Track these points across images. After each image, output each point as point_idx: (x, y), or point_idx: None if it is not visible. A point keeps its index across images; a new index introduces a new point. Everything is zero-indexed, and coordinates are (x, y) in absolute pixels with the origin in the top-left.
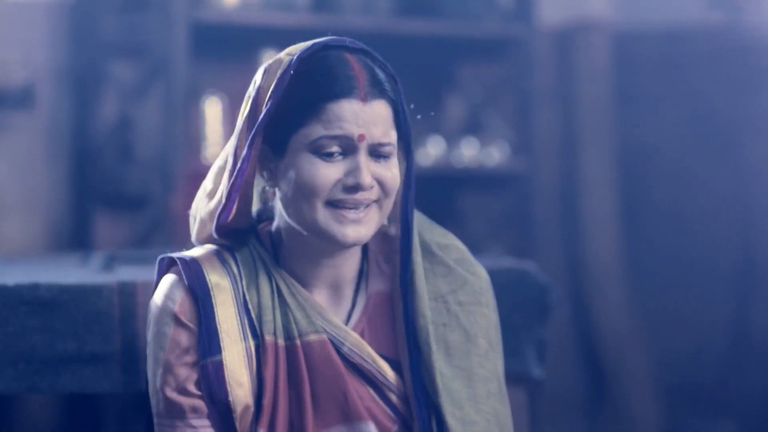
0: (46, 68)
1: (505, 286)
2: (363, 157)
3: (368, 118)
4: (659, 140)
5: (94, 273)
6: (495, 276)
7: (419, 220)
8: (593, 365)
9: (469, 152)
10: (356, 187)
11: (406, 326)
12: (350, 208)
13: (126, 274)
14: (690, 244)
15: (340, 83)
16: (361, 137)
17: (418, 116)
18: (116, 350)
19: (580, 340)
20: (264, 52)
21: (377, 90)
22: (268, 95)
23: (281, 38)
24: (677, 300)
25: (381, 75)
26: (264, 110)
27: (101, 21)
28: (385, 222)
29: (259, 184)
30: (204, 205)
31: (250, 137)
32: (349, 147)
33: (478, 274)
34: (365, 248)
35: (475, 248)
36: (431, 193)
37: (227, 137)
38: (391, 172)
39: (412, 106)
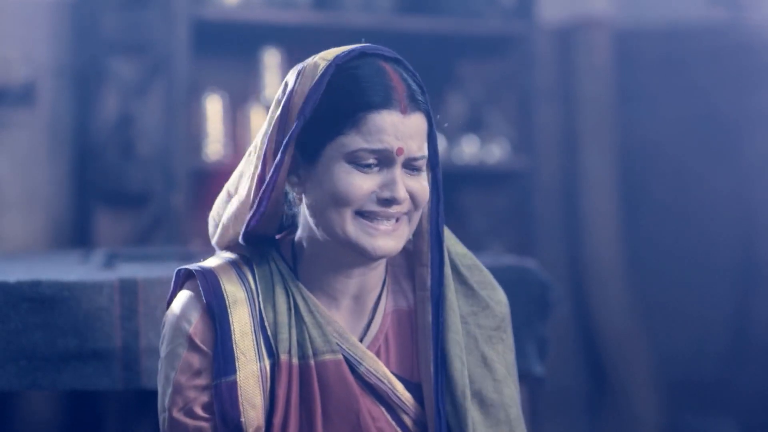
0: (47, 65)
1: (506, 284)
2: (399, 171)
3: (407, 131)
4: (660, 137)
5: (95, 270)
6: (496, 273)
7: (447, 234)
8: (594, 362)
9: (470, 149)
10: (391, 201)
11: (434, 341)
12: (381, 220)
13: (127, 271)
14: (691, 241)
15: (380, 94)
16: (400, 151)
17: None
18: (117, 347)
19: (581, 337)
20: (265, 50)
21: (414, 102)
22: (302, 100)
23: (282, 36)
24: (678, 297)
25: (414, 86)
26: (298, 116)
27: (102, 18)
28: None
29: (289, 192)
30: (226, 209)
31: (284, 144)
32: (386, 159)
33: (498, 299)
34: (386, 263)
35: (476, 245)
36: None
37: (228, 134)
38: (422, 185)
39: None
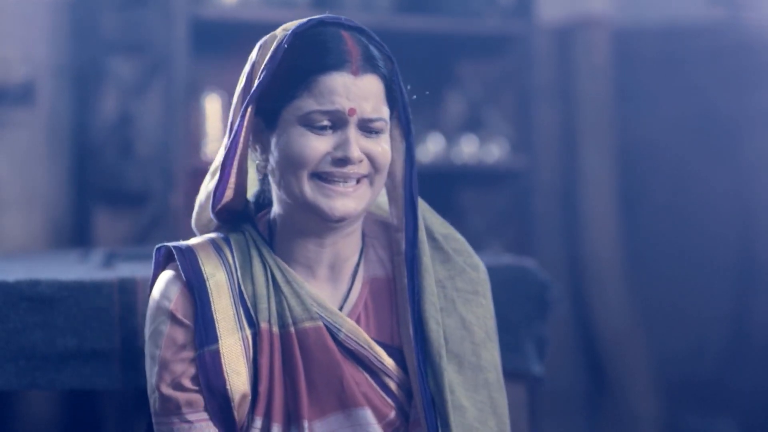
0: (46, 65)
1: (504, 283)
2: (353, 131)
3: (359, 92)
4: (659, 137)
5: (94, 270)
6: (495, 273)
7: (422, 205)
8: (593, 362)
9: (469, 149)
10: (345, 161)
11: (411, 304)
12: (338, 182)
13: (126, 270)
14: (689, 240)
15: (332, 56)
16: (352, 111)
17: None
18: (116, 347)
19: (579, 337)
20: None
21: (369, 65)
22: (261, 68)
23: None
24: (677, 296)
25: (375, 52)
26: (257, 81)
27: (101, 17)
28: (384, 207)
29: (253, 161)
30: (204, 188)
31: (242, 108)
32: (339, 121)
33: (476, 265)
34: (363, 233)
35: (475, 245)
36: (431, 189)
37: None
38: (382, 147)
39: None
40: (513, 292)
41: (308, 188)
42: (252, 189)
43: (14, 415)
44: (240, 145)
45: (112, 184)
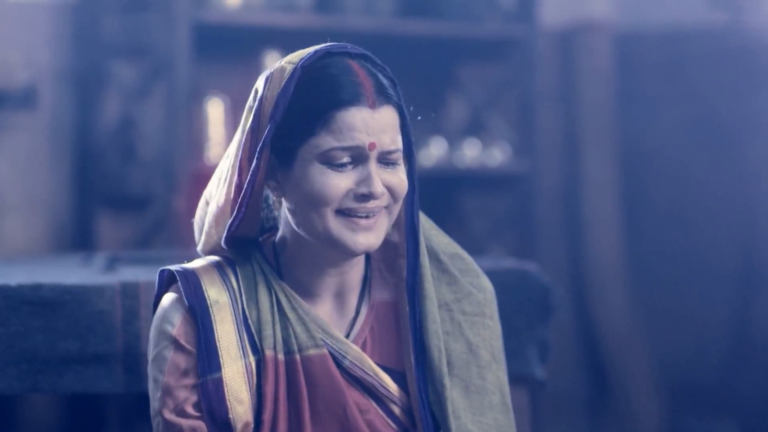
0: (48, 68)
1: (507, 287)
2: (374, 166)
3: (377, 125)
4: (660, 141)
5: (96, 273)
6: (497, 277)
7: (427, 225)
8: (595, 365)
9: (471, 153)
10: (368, 196)
11: (413, 331)
12: (361, 217)
13: (128, 274)
14: (691, 244)
15: (347, 91)
16: (372, 146)
17: (419, 117)
18: (118, 350)
19: (581, 341)
20: (266, 53)
21: (383, 96)
22: (272, 106)
23: (283, 39)
24: (678, 300)
25: (384, 80)
26: (269, 122)
27: (104, 21)
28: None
29: (264, 194)
30: (207, 215)
31: (258, 150)
32: (360, 156)
33: (482, 286)
34: (368, 256)
35: (477, 249)
36: (433, 193)
37: (230, 138)
38: (400, 178)
39: (411, 108)
40: (515, 296)
41: (332, 224)
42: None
43: (16, 419)
44: (255, 186)
45: (115, 187)
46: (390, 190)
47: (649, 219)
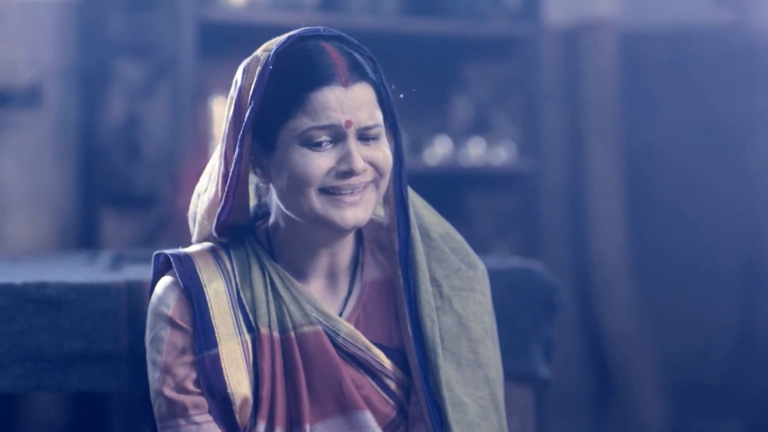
0: (53, 67)
1: (511, 286)
2: (352, 143)
3: (352, 103)
4: (665, 140)
5: (101, 272)
6: (501, 275)
7: (418, 204)
8: (600, 365)
9: (476, 152)
10: (349, 173)
11: (408, 304)
12: (346, 193)
13: (133, 273)
14: (695, 243)
15: (319, 71)
16: (348, 123)
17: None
18: (123, 349)
19: (586, 340)
20: None
21: (357, 73)
22: (249, 94)
23: None
24: (683, 300)
25: (359, 58)
26: (249, 109)
27: (109, 20)
28: (380, 204)
29: (252, 181)
30: (199, 206)
31: (239, 138)
32: (338, 134)
33: (473, 264)
34: (360, 237)
35: (482, 248)
36: (438, 192)
37: None
38: (383, 152)
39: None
40: (520, 295)
41: (318, 203)
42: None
43: (21, 417)
44: (241, 172)
45: (119, 186)
46: (373, 165)
47: (654, 218)
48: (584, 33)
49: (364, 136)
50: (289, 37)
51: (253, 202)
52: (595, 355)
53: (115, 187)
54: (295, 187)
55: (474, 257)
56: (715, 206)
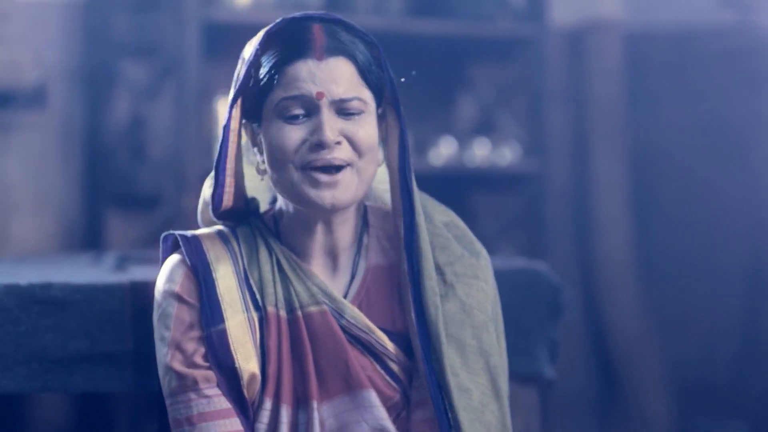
0: (58, 68)
1: (516, 286)
2: (325, 114)
3: (326, 75)
4: (670, 140)
5: (106, 272)
6: (507, 276)
7: (422, 195)
8: (605, 365)
9: (481, 152)
10: (320, 145)
11: (412, 290)
12: (323, 171)
13: (138, 273)
14: (700, 244)
15: (295, 46)
16: (320, 95)
17: (402, 79)
18: (128, 350)
19: (591, 341)
20: None
21: (334, 48)
22: (242, 69)
23: None
24: (688, 301)
25: (345, 36)
26: (239, 81)
27: (113, 20)
28: (386, 192)
29: (252, 163)
30: (203, 193)
31: (229, 109)
32: (311, 107)
33: (477, 252)
34: (366, 223)
35: (487, 248)
36: (443, 192)
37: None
38: (363, 129)
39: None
40: (525, 296)
41: (297, 181)
42: (261, 193)
43: (26, 418)
44: (230, 147)
45: (124, 187)
46: (351, 141)
47: (659, 218)
48: (589, 33)
49: (343, 111)
50: (282, 19)
51: (266, 194)
52: (599, 355)
53: (120, 187)
54: (275, 162)
55: (478, 245)
56: (721, 206)
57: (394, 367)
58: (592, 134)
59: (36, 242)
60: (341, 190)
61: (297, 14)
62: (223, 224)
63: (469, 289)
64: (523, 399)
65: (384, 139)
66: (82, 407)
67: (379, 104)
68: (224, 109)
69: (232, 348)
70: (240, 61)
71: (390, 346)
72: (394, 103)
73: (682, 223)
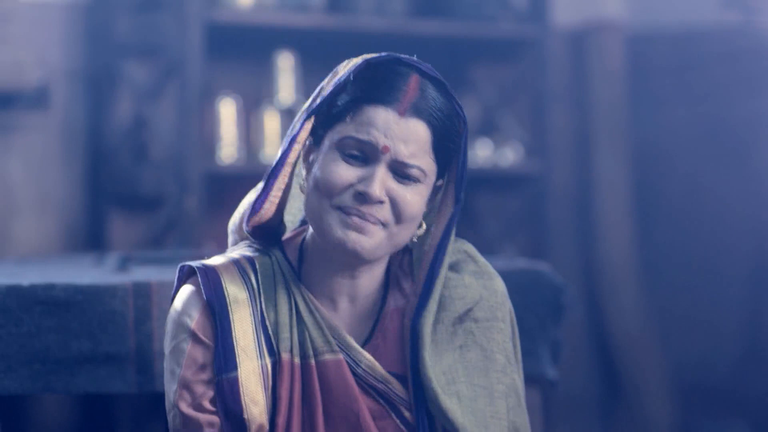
0: (60, 68)
1: (519, 287)
2: (381, 169)
3: (400, 133)
4: (672, 142)
5: (108, 273)
6: (509, 277)
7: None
8: (607, 366)
9: (484, 153)
10: (364, 196)
11: (412, 367)
12: (355, 215)
13: (140, 274)
14: (703, 245)
15: (385, 91)
16: (386, 149)
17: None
18: (131, 350)
19: (594, 341)
20: (278, 53)
21: (420, 109)
22: (328, 86)
23: (296, 39)
24: (691, 301)
25: (437, 102)
26: (320, 97)
27: (116, 21)
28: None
29: (299, 182)
30: (240, 208)
31: (301, 121)
32: (371, 154)
33: (494, 288)
34: (388, 267)
35: (489, 249)
36: None
37: (242, 138)
38: (412, 197)
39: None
40: (527, 296)
41: (328, 216)
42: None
43: (28, 419)
44: (290, 157)
45: (127, 187)
46: (393, 202)
47: (661, 219)
48: (591, 34)
49: (401, 173)
50: (388, 55)
51: (299, 214)
52: (602, 356)
53: (123, 188)
54: (316, 191)
55: (495, 280)
56: (723, 207)
57: (408, 414)
58: (594, 135)
59: (38, 243)
60: (367, 238)
61: (404, 56)
62: (248, 244)
63: (489, 333)
64: (526, 399)
65: (433, 210)
66: (84, 408)
67: (440, 176)
68: (298, 118)
69: (242, 398)
70: (331, 75)
71: (402, 392)
72: (458, 183)
73: (684, 223)
